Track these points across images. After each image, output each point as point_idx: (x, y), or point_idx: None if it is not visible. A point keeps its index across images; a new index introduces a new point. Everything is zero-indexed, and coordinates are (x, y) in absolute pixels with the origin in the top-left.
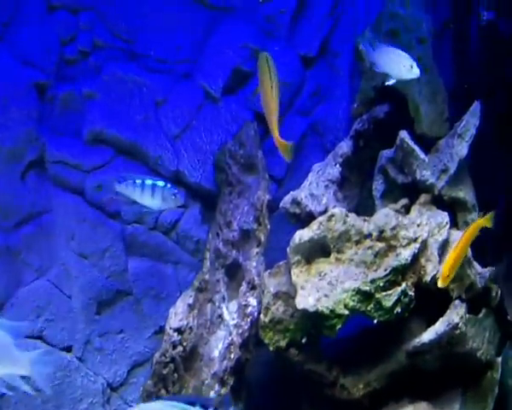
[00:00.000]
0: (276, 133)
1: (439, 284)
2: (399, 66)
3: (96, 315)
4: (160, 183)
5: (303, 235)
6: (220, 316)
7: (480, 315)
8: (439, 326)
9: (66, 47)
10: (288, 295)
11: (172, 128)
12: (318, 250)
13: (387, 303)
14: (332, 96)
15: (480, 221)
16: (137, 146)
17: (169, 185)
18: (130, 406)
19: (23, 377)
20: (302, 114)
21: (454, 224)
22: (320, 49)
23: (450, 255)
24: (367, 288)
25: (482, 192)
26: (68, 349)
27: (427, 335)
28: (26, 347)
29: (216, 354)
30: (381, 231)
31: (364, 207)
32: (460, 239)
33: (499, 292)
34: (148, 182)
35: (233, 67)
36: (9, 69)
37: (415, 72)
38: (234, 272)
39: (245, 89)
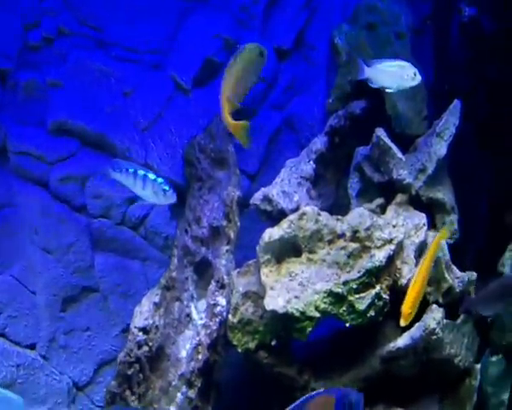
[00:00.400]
0: (225, 115)
1: (402, 324)
2: (402, 76)
3: (61, 312)
4: (151, 175)
5: (273, 233)
6: (188, 315)
7: (459, 321)
8: (414, 331)
9: (30, 33)
10: (257, 296)
11: (141, 120)
12: (289, 250)
13: (360, 306)
14: (308, 90)
15: (434, 246)
16: (104, 138)
17: (160, 180)
18: (98, 406)
19: None
20: (276, 108)
21: (432, 225)
22: (295, 41)
23: (410, 292)
24: (339, 290)
25: (462, 194)
26: (32, 347)
27: (402, 340)
28: None
29: (183, 354)
30: (355, 232)
31: (340, 206)
32: (418, 271)
33: None
34: (141, 172)
35: (204, 57)
36: None
37: (418, 78)
38: (203, 269)
39: (217, 81)
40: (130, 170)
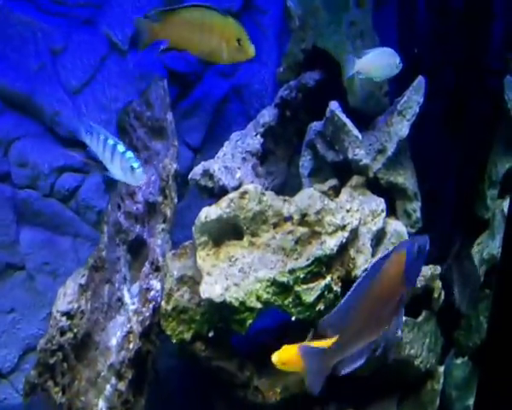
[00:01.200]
0: None
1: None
2: (388, 65)
3: None
4: (121, 147)
5: (210, 212)
6: (120, 299)
7: (420, 319)
8: None
9: None
10: (194, 281)
11: (72, 81)
12: (229, 232)
13: (308, 298)
14: (258, 57)
15: None
16: (31, 99)
17: (130, 154)
18: (22, 395)
19: None
20: (223, 75)
21: (392, 212)
22: (244, 3)
23: None
24: (284, 279)
25: (427, 179)
26: None
27: None
28: None
29: (114, 342)
30: (304, 215)
31: (292, 186)
32: None
33: (442, 294)
34: (110, 142)
35: (144, 14)
36: None
37: (400, 66)
38: (137, 249)
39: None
40: (101, 136)
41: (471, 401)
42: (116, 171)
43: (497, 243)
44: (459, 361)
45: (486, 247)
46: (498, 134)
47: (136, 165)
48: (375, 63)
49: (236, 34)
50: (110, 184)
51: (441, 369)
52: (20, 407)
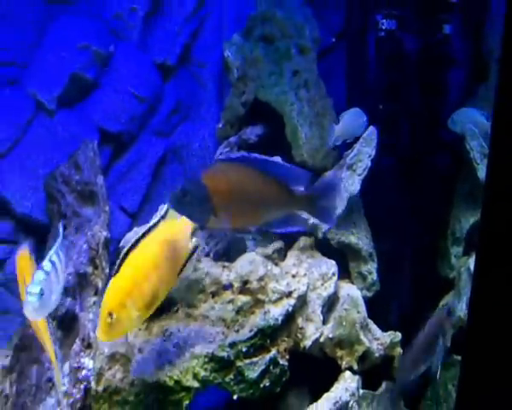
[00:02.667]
0: None
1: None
2: (358, 125)
3: None
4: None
5: None
6: (50, 380)
7: (380, 391)
8: (323, 404)
9: None
10: (127, 358)
11: None
12: (163, 303)
13: (251, 374)
14: (197, 114)
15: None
16: None
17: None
18: None
19: None
20: (160, 134)
21: (346, 275)
22: (181, 56)
23: None
24: (224, 353)
25: (383, 239)
26: None
27: None
28: None
29: None
30: (245, 282)
31: (237, 250)
32: None
33: None
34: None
35: (71, 72)
36: None
37: (365, 125)
38: (68, 325)
39: (86, 100)
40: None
41: None
42: None
43: (463, 305)
44: None
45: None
46: (460, 187)
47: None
48: (348, 126)
49: None
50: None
51: None
52: None
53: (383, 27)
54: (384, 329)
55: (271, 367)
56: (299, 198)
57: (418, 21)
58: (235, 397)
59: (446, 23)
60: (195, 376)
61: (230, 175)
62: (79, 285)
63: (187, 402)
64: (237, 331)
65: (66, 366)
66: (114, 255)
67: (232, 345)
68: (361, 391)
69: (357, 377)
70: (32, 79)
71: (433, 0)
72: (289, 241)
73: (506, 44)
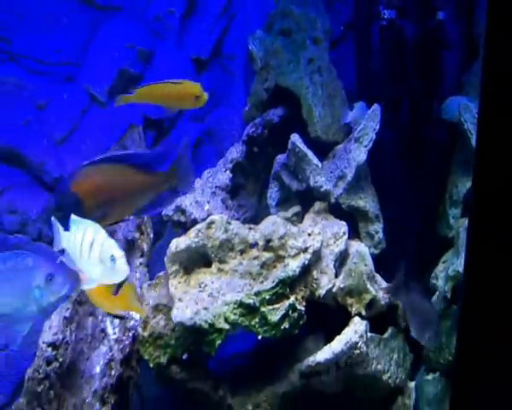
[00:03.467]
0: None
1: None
2: (363, 115)
3: None
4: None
5: (180, 243)
6: (103, 331)
7: (386, 335)
8: (335, 345)
9: None
10: (168, 309)
11: (56, 133)
12: (198, 260)
13: (273, 318)
14: (227, 100)
15: None
16: (18, 152)
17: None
18: None
19: None
20: (195, 120)
21: (356, 234)
22: (213, 51)
23: None
24: (251, 301)
25: (389, 202)
26: None
27: (323, 354)
28: None
29: (97, 370)
30: (268, 241)
31: (263, 218)
32: None
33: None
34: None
35: (119, 68)
36: None
37: None
38: (118, 283)
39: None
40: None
41: None
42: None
43: (462, 260)
44: (430, 377)
45: (452, 264)
46: (456, 156)
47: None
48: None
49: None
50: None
51: (412, 384)
52: None
53: (385, 17)
54: (389, 281)
55: (290, 312)
56: (159, 178)
57: (415, 10)
58: (259, 337)
59: (440, 10)
60: (226, 319)
61: (96, 177)
62: (128, 250)
63: (219, 342)
64: (261, 282)
65: (117, 320)
66: (159, 224)
67: (257, 294)
68: (369, 334)
69: (365, 322)
70: (85, 76)
71: None
72: (306, 206)
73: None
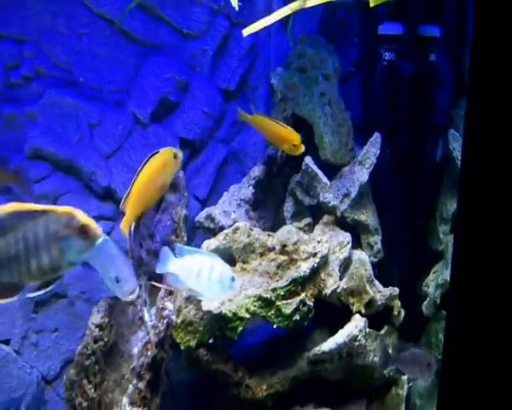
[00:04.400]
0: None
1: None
2: None
3: (33, 313)
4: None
5: (210, 244)
6: (141, 318)
7: (382, 331)
8: (338, 337)
9: (11, 72)
10: (198, 300)
11: (105, 148)
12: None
13: (287, 310)
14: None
15: None
16: (73, 163)
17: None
18: (63, 398)
19: None
20: (223, 142)
21: (358, 245)
22: (239, 83)
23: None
24: (268, 295)
25: (386, 218)
26: (6, 342)
27: (327, 344)
28: None
29: (135, 351)
30: (284, 246)
31: (280, 227)
32: None
33: (402, 312)
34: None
35: (160, 96)
36: None
37: None
38: (155, 279)
39: (171, 117)
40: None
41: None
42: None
43: (449, 271)
44: None
45: (441, 274)
46: (446, 179)
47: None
48: None
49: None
50: (135, 229)
51: (404, 377)
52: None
53: (386, 58)
54: (386, 286)
55: (301, 306)
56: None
57: (411, 52)
58: (274, 326)
59: (433, 53)
60: (247, 310)
61: None
62: None
63: (240, 328)
64: (277, 281)
65: (154, 309)
66: (191, 230)
67: (273, 290)
68: (367, 330)
69: (364, 319)
70: (132, 101)
71: (422, 37)
72: (316, 218)
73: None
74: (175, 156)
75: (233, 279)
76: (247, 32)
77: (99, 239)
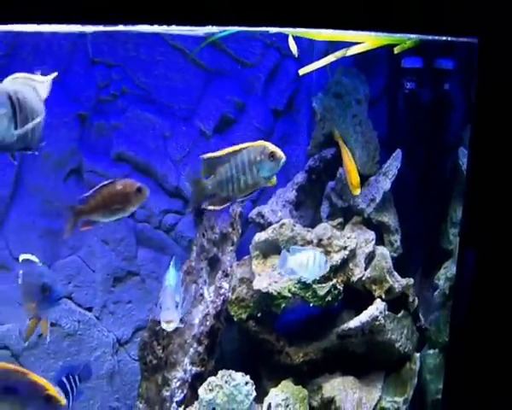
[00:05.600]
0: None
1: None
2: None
3: (111, 287)
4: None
5: (261, 236)
6: (201, 295)
7: (399, 315)
8: (362, 317)
9: (102, 90)
10: (249, 281)
11: (175, 155)
12: (272, 249)
13: (321, 292)
14: (295, 140)
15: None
16: (149, 166)
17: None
18: (133, 359)
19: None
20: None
21: (381, 242)
22: (286, 105)
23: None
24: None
25: (406, 221)
26: (89, 309)
27: (353, 322)
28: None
29: (196, 321)
30: (320, 240)
31: (317, 224)
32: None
33: (416, 300)
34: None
35: (221, 114)
36: (61, 104)
37: None
38: (213, 263)
39: (230, 130)
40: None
41: (441, 385)
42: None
43: None
44: (431, 352)
45: (450, 270)
46: (455, 188)
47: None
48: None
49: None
50: (198, 222)
51: (417, 355)
52: (133, 369)
53: (407, 87)
54: (403, 277)
55: (332, 289)
56: None
57: (428, 82)
58: (311, 305)
59: (446, 82)
60: (289, 290)
61: None
62: (222, 240)
63: (283, 305)
64: None
65: (212, 288)
66: (244, 224)
67: None
68: (386, 312)
69: (384, 303)
70: (198, 117)
71: (438, 69)
72: (347, 218)
73: None
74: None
75: (326, 262)
76: (302, 71)
77: (283, 160)
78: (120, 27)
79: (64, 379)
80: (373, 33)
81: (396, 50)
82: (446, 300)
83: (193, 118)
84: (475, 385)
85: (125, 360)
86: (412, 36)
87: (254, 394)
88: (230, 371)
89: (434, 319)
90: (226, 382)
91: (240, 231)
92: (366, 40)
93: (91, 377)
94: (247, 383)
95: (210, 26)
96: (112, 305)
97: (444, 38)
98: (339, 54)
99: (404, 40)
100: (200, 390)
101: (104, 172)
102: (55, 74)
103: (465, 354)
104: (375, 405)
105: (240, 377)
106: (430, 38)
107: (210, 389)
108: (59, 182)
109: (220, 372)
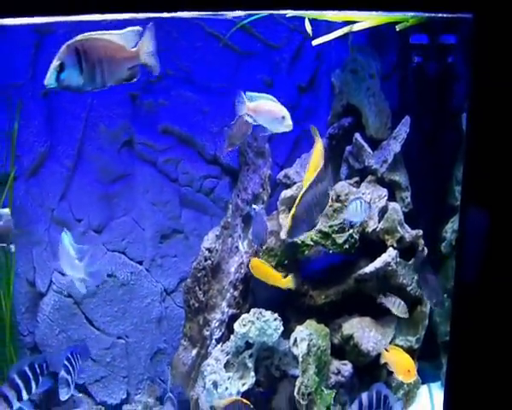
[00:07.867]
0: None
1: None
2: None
3: (159, 243)
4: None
5: (286, 192)
6: (237, 247)
7: (409, 262)
8: (376, 263)
9: (150, 73)
10: (277, 233)
11: (213, 127)
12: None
13: (339, 241)
14: (317, 112)
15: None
16: (191, 137)
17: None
18: (178, 306)
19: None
20: (297, 123)
21: (393, 198)
22: (309, 81)
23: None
24: (326, 230)
25: (415, 179)
26: (140, 262)
27: (368, 268)
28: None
29: (232, 269)
30: (338, 196)
31: (337, 183)
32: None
33: (425, 249)
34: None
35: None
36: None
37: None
38: (246, 220)
39: None
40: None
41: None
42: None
43: None
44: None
45: (456, 223)
46: (460, 150)
47: None
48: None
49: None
50: (232, 185)
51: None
52: (178, 314)
53: (415, 60)
54: (413, 228)
55: (349, 238)
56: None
57: (434, 56)
58: (330, 251)
59: (450, 55)
60: (311, 239)
61: None
62: (253, 199)
63: (306, 252)
64: (333, 220)
65: (246, 241)
66: (273, 185)
67: (330, 226)
68: (398, 259)
69: (395, 251)
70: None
71: (442, 44)
72: (363, 178)
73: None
74: None
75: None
76: (316, 42)
77: None
78: (164, 14)
79: (69, 356)
80: (374, 12)
81: (398, 28)
82: (453, 250)
83: (228, 94)
84: (480, 330)
85: (171, 306)
86: (409, 13)
87: (282, 328)
88: (261, 309)
89: (443, 268)
90: (257, 318)
91: (269, 191)
92: (369, 19)
93: (89, 356)
94: (275, 319)
95: (238, 11)
96: (159, 259)
97: (440, 15)
98: (346, 29)
99: (405, 18)
100: (236, 325)
101: (152, 144)
102: None
103: (470, 302)
104: (390, 342)
105: (269, 314)
106: (427, 15)
107: (244, 324)
108: (113, 152)
109: (252, 310)
